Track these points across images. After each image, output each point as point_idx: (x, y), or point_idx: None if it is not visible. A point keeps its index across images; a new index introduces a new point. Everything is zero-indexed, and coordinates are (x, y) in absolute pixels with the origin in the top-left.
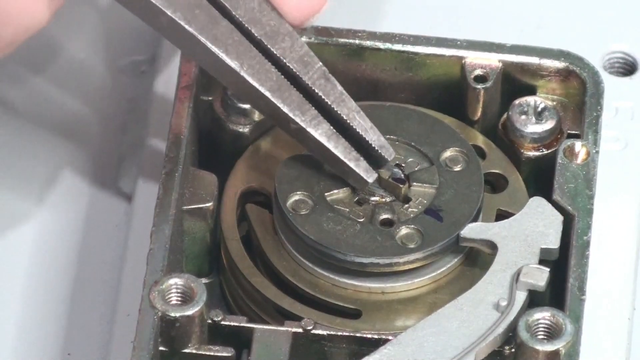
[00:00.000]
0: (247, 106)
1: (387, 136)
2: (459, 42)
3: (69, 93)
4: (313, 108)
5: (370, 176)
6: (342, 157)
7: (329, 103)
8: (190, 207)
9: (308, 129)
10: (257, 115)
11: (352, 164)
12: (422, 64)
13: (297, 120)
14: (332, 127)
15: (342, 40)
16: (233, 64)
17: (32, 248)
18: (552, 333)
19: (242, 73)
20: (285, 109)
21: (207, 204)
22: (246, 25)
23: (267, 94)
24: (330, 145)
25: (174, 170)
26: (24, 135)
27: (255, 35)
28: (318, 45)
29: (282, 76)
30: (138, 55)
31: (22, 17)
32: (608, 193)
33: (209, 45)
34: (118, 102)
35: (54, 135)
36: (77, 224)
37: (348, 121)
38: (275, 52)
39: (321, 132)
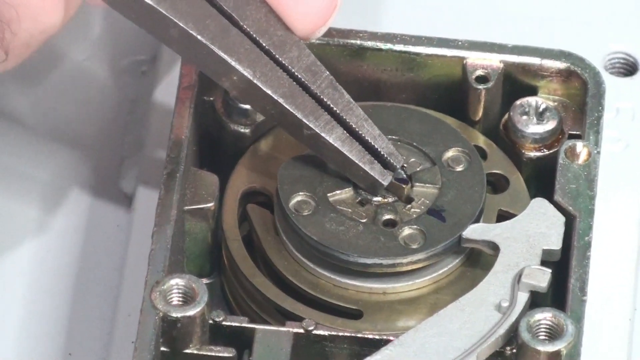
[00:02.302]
0: (248, 107)
1: (389, 136)
2: (460, 43)
3: (70, 94)
4: (326, 113)
5: (385, 179)
6: (357, 161)
7: (337, 111)
8: (191, 207)
9: (322, 134)
10: (258, 116)
11: (367, 167)
12: (424, 64)
13: (311, 125)
14: (345, 132)
15: (343, 40)
16: (246, 72)
17: (34, 248)
18: (554, 334)
19: (256, 81)
20: (299, 115)
21: (209, 204)
22: (254, 35)
23: (281, 100)
24: (345, 150)
25: (175, 170)
26: (26, 136)
27: (264, 45)
28: (319, 45)
29: (294, 82)
30: (139, 55)
31: (39, 14)
32: (609, 194)
33: (222, 54)
34: (119, 103)
35: (55, 136)
36: (79, 225)
37: (357, 129)
38: (283, 62)
39: (335, 137)
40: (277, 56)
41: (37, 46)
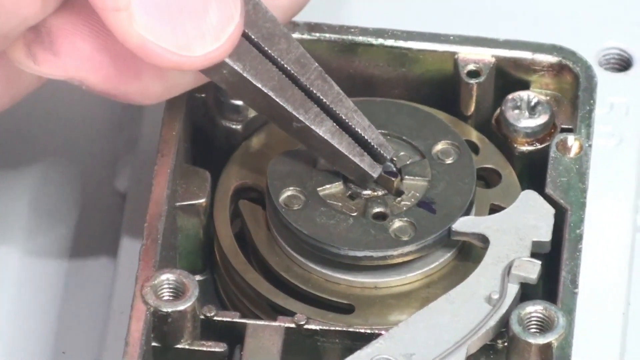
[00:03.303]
0: (239, 103)
1: (379, 130)
2: (451, 37)
3: (63, 91)
4: (315, 106)
5: (375, 171)
6: (347, 153)
7: (327, 103)
8: (183, 203)
9: (312, 127)
10: (249, 112)
11: (357, 160)
12: (415, 59)
13: (301, 118)
14: (335, 124)
15: (334, 36)
16: (236, 65)
17: (26, 246)
18: (545, 326)
19: (245, 74)
20: (289, 108)
21: (200, 201)
22: (243, 27)
23: (271, 93)
24: (334, 142)
25: (166, 166)
26: (18, 134)
27: (252, 37)
28: (311, 41)
29: (283, 75)
30: None
31: (14, 8)
32: (603, 189)
33: None
34: (112, 101)
35: (48, 133)
36: (71, 222)
37: (347, 120)
38: (272, 54)
39: (325, 130)
40: (266, 48)
41: (17, 36)
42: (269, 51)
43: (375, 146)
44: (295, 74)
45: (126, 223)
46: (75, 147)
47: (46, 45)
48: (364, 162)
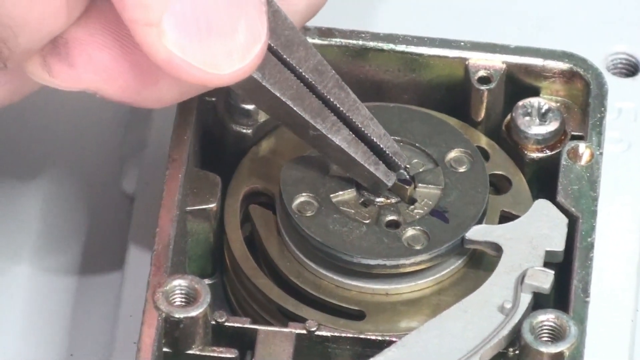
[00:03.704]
0: (250, 107)
1: (392, 137)
2: (462, 43)
3: (71, 92)
4: (332, 114)
5: (389, 179)
6: (362, 162)
7: (344, 111)
8: (193, 208)
9: (329, 135)
10: (260, 116)
11: (372, 168)
12: (426, 65)
13: (318, 127)
14: (351, 133)
15: (345, 41)
16: (255, 74)
17: (35, 249)
18: (557, 335)
19: (264, 83)
20: (306, 117)
21: (211, 205)
22: None
23: (289, 102)
24: (350, 151)
25: (177, 171)
26: (26, 135)
27: (272, 45)
28: (321, 46)
29: (301, 83)
30: None
31: (40, 25)
32: (611, 194)
33: None
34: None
35: (55, 135)
36: (79, 225)
37: (362, 128)
38: (291, 62)
39: (341, 138)
40: (284, 56)
41: (37, 50)
42: (288, 59)
43: (390, 154)
44: (313, 82)
45: (134, 225)
46: (82, 148)
47: (62, 57)
48: (379, 171)
